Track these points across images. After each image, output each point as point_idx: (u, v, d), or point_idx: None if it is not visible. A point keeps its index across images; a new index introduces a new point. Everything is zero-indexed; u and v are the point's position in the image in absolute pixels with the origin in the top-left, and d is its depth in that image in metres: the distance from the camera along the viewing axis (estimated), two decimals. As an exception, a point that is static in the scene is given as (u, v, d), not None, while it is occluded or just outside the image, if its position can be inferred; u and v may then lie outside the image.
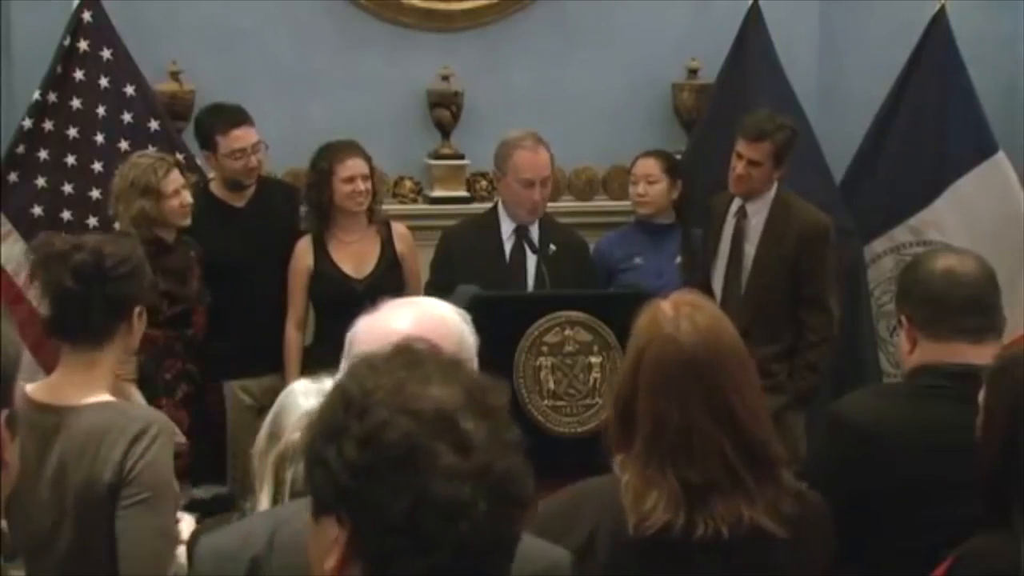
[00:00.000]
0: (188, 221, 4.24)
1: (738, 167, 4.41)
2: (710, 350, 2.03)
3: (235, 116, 4.53)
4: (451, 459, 1.15)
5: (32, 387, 2.49)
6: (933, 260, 2.57)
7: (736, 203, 4.55)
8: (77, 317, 2.49)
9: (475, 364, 1.81)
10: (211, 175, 4.71)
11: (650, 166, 4.84)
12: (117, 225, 4.11)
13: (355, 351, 1.71)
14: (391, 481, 1.15)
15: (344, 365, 1.72)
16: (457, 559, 1.15)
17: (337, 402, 1.22)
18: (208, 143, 4.55)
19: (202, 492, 3.27)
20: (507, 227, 4.43)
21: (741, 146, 4.40)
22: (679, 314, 2.06)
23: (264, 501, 2.08)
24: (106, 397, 2.46)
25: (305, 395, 2.12)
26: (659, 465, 2.00)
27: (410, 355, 1.25)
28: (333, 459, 1.17)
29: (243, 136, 4.50)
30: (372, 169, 4.56)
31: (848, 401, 2.63)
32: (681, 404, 2.00)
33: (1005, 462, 1.94)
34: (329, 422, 1.21)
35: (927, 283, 2.51)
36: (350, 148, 4.51)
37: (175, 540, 2.49)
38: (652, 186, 4.80)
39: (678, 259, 4.78)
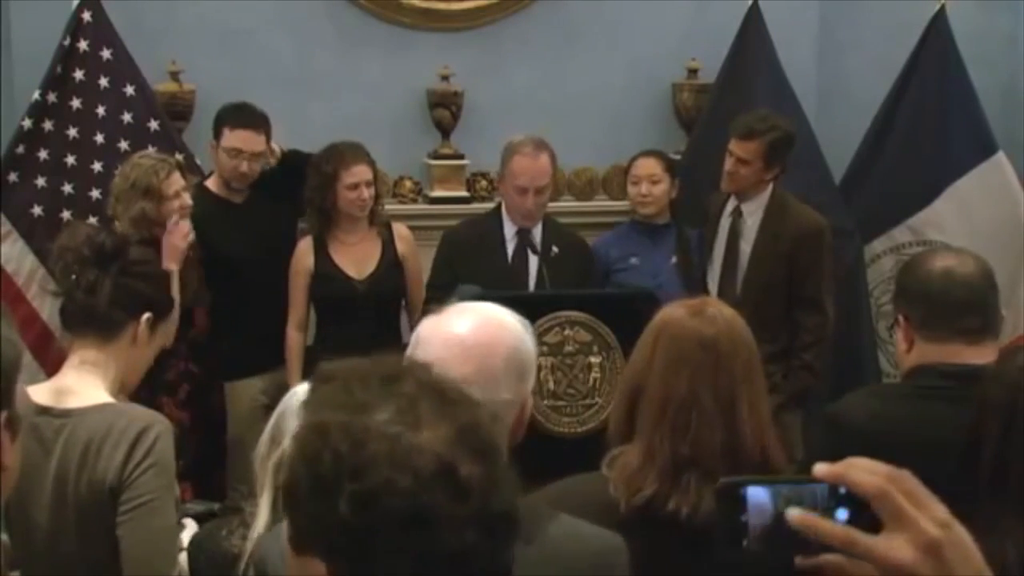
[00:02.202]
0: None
1: (728, 164, 4.44)
2: (731, 339, 2.11)
3: (249, 118, 4.50)
4: (450, 508, 1.11)
5: (33, 389, 2.46)
6: (931, 260, 2.57)
7: (732, 203, 4.56)
8: (85, 295, 2.46)
9: (534, 370, 1.89)
10: (209, 171, 4.70)
11: (652, 166, 4.83)
12: (116, 225, 4.11)
13: (419, 352, 1.75)
14: (394, 540, 1.11)
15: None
16: None
17: (323, 452, 1.12)
18: (217, 132, 4.54)
19: (196, 506, 3.27)
20: (510, 229, 4.40)
21: (732, 144, 4.43)
22: (704, 305, 2.16)
23: (264, 506, 2.09)
24: (106, 399, 2.45)
25: (306, 398, 2.12)
26: (660, 440, 2.07)
27: (398, 389, 1.17)
28: (324, 515, 1.11)
29: (246, 139, 4.48)
30: (376, 173, 4.55)
31: (845, 401, 2.63)
32: (690, 378, 2.08)
33: (999, 461, 1.95)
34: (316, 475, 1.12)
35: (925, 283, 2.51)
36: (356, 154, 4.46)
37: (178, 537, 2.49)
38: (655, 186, 4.79)
39: (673, 259, 4.78)
